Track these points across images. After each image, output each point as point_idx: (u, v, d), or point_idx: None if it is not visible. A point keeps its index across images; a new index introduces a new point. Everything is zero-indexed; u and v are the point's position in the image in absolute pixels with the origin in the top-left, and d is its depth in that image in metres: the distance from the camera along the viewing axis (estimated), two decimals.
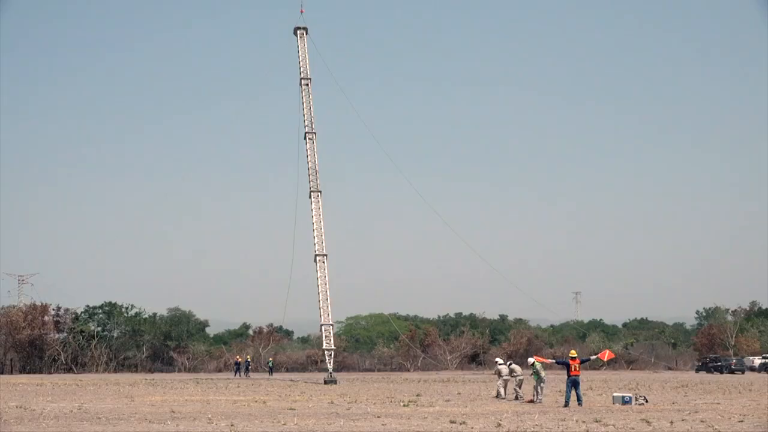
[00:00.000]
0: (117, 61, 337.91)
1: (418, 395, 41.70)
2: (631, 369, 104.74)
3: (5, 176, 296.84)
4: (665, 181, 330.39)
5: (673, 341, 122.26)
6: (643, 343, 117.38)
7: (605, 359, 38.79)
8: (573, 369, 32.52)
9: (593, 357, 40.01)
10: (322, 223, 64.99)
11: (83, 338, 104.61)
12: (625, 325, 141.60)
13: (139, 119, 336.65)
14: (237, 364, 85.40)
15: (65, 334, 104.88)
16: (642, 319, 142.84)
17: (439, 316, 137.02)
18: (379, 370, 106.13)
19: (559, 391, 39.98)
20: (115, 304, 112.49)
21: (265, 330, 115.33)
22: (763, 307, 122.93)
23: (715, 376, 77.02)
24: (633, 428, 23.72)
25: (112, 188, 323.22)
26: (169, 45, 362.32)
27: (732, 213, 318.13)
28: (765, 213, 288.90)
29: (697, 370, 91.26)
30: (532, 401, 35.09)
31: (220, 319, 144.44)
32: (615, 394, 35.91)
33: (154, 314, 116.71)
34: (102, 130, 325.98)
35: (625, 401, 33.81)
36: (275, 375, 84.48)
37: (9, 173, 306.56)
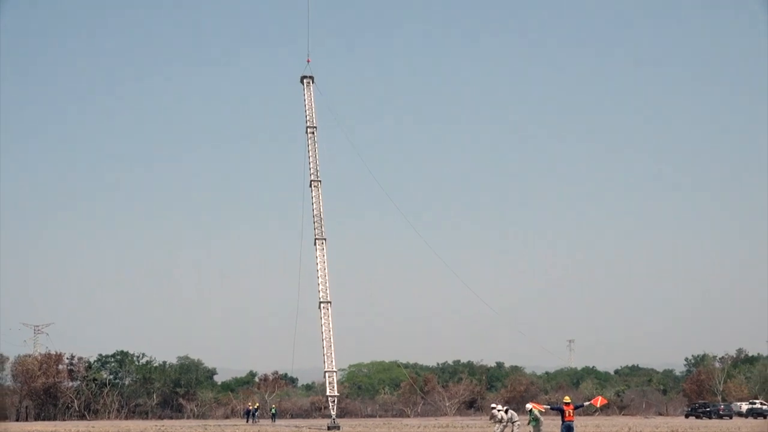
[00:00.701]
0: (125, 107, 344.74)
1: None
2: (623, 414, 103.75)
3: (20, 229, 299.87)
4: (655, 234, 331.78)
5: (662, 387, 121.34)
6: (634, 390, 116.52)
7: (598, 405, 38.61)
8: (567, 414, 32.38)
9: (587, 403, 39.84)
10: (326, 270, 64.74)
11: (96, 386, 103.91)
12: (617, 371, 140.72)
13: (147, 168, 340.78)
14: (247, 411, 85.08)
15: (78, 382, 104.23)
16: (633, 366, 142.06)
17: (438, 364, 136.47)
18: (380, 416, 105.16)
19: None
20: (127, 352, 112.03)
21: (270, 377, 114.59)
22: (749, 354, 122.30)
23: (704, 422, 76.31)
24: None
25: (123, 240, 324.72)
26: (173, 90, 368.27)
27: (719, 264, 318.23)
28: (750, 264, 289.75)
29: (687, 416, 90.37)
30: None
31: (227, 366, 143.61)
32: None
33: (164, 362, 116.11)
34: (111, 180, 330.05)
35: None
36: (279, 421, 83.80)
37: (23, 226, 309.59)
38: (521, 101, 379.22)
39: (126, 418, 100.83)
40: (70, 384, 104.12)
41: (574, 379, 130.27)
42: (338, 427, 59.44)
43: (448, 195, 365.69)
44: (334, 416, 61.95)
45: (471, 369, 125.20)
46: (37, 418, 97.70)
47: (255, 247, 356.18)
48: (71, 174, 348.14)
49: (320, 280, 64.39)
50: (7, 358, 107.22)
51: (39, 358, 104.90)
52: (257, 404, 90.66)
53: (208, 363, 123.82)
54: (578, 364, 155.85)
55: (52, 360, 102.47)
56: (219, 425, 72.77)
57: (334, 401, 63.17)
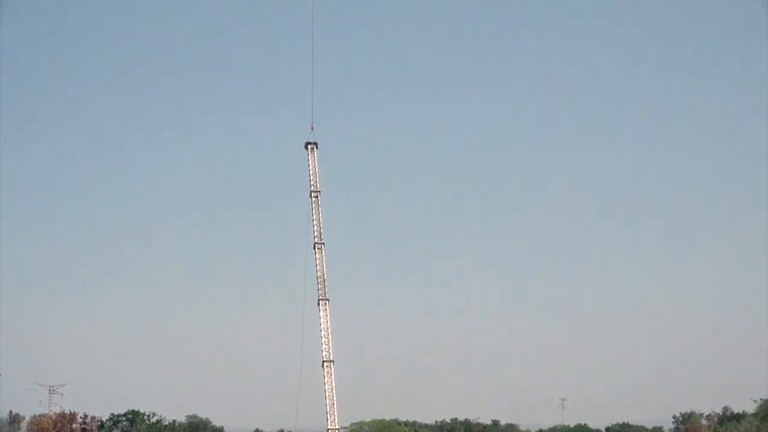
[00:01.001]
0: (126, 170, 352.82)
1: None
2: None
3: (35, 291, 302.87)
4: (643, 293, 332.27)
5: None
6: None
7: None
8: None
9: None
10: (329, 330, 65.61)
11: None
12: (608, 429, 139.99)
13: (153, 231, 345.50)
14: None
15: None
16: (624, 423, 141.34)
17: (436, 421, 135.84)
18: None
19: None
20: (138, 412, 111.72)
21: None
22: (735, 412, 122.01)
23: None
24: None
25: (134, 303, 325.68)
26: (173, 151, 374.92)
27: (706, 322, 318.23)
28: (737, 323, 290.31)
29: None
30: None
31: (234, 425, 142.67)
32: None
33: (174, 421, 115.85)
34: (119, 242, 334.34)
35: None
36: None
37: (38, 288, 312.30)
38: (522, 163, 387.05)
39: None
40: None
41: None
42: None
43: (447, 256, 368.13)
44: None
45: (468, 427, 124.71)
46: None
47: (259, 306, 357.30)
48: (80, 236, 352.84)
49: (323, 339, 65.32)
50: (23, 418, 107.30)
51: (54, 417, 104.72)
52: None
53: (216, 421, 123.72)
54: (571, 421, 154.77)
55: (66, 419, 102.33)
56: None
57: None
